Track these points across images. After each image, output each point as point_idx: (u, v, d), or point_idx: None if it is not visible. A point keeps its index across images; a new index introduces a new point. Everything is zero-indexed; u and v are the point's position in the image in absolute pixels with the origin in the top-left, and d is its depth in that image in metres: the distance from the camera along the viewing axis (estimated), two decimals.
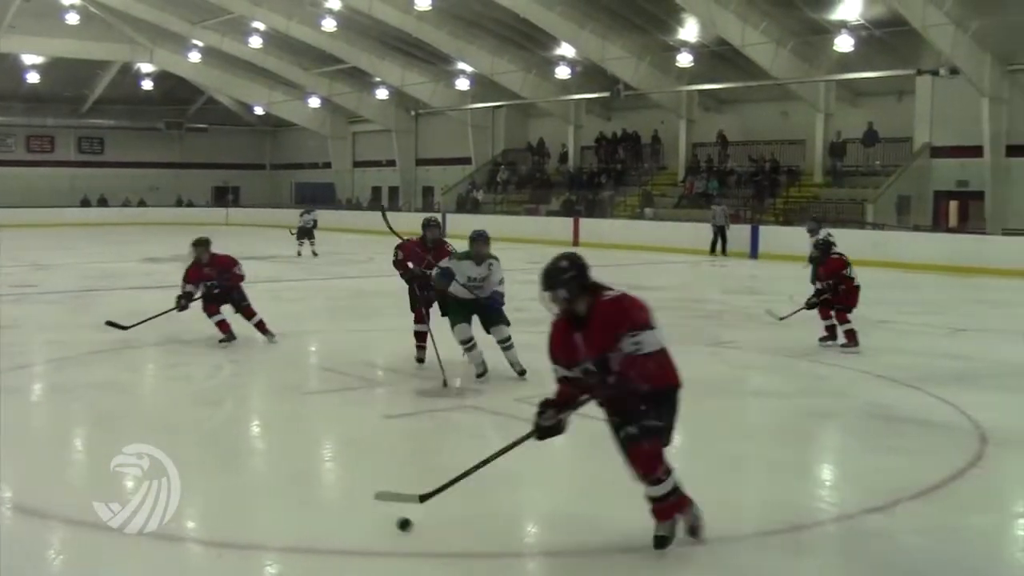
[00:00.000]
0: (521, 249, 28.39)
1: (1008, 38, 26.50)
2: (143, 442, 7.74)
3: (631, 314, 5.18)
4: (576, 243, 30.49)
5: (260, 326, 12.23)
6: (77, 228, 39.47)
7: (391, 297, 17.41)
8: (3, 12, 39.67)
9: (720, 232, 27.99)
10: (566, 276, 5.24)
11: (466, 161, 42.34)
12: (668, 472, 5.26)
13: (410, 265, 10.45)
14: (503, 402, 8.89)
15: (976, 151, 27.72)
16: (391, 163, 45.87)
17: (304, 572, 5.35)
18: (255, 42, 39.19)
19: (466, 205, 39.80)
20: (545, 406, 5.35)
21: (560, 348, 5.38)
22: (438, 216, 12.59)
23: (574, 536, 5.76)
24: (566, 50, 34.18)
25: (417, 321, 10.54)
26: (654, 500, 5.28)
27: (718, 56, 31.66)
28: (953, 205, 29.90)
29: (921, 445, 7.94)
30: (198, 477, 7.04)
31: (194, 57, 43.05)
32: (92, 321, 14.16)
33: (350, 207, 45.40)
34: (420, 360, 10.54)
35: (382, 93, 42.25)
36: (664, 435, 5.26)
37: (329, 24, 34.78)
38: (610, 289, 5.29)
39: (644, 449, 5.19)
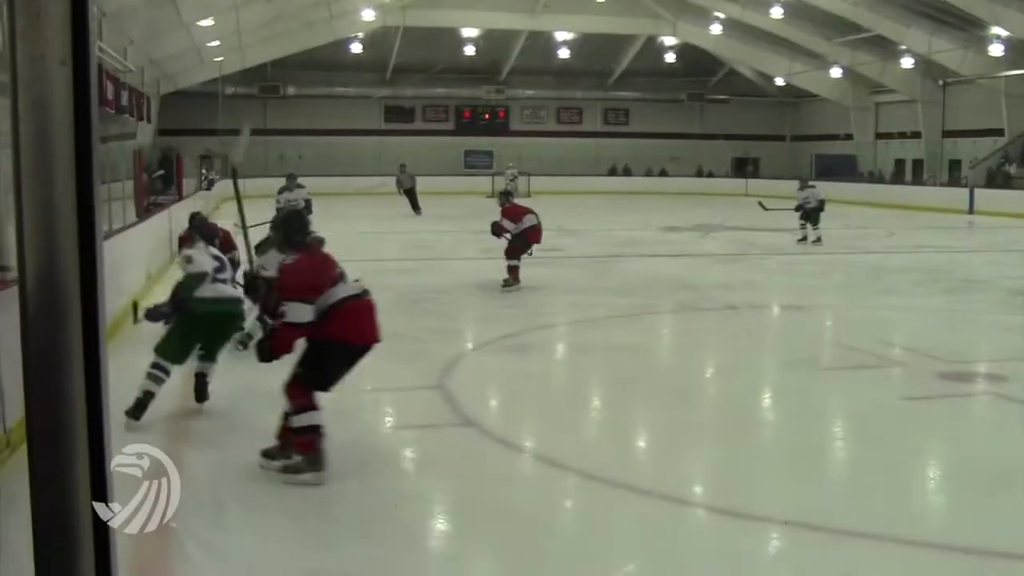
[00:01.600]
0: None
1: None
2: (656, 406, 8.19)
3: (284, 280, 5.97)
4: None
5: None
6: (602, 196, 41.48)
7: (910, 274, 16.88)
8: None
9: None
10: None
11: (998, 133, 39.61)
12: (304, 410, 5.87)
13: None
14: None
15: None
16: (916, 135, 43.89)
17: (807, 548, 5.32)
18: (776, 12, 38.92)
19: (996, 180, 37.29)
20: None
21: None
22: None
23: None
24: None
25: None
26: (291, 431, 5.94)
27: None
28: None
29: None
30: (707, 443, 7.26)
31: (715, 29, 43.56)
32: (614, 286, 14.95)
33: (872, 180, 44.10)
34: None
35: (907, 62, 40.46)
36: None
37: None
38: (301, 253, 6.09)
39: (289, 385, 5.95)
